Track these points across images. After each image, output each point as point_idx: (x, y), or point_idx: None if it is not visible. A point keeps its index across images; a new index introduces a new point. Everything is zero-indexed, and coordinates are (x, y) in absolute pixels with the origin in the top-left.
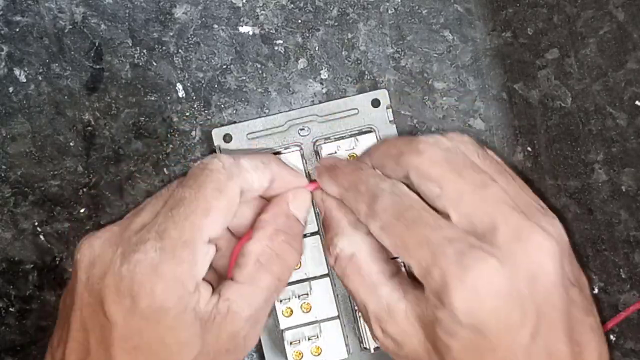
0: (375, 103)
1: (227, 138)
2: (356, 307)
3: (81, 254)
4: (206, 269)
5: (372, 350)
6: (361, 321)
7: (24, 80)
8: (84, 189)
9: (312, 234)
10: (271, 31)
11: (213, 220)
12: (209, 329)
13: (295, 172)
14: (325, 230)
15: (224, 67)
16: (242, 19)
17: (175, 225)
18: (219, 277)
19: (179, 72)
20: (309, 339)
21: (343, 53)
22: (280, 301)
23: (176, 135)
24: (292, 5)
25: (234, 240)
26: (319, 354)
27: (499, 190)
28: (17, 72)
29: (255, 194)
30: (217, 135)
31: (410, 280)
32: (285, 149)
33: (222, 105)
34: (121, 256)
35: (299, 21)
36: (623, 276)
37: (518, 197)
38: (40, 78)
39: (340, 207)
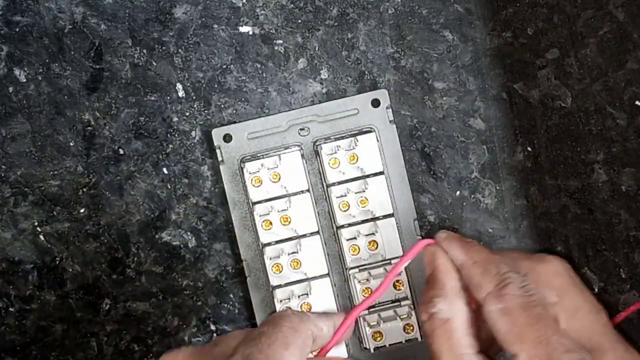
0: (375, 103)
1: (227, 138)
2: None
3: None
4: None
5: (372, 350)
6: (361, 320)
7: (24, 80)
8: (84, 189)
9: (312, 233)
10: (271, 31)
11: (292, 353)
12: None
13: (348, 321)
14: (427, 287)
15: (224, 67)
16: (242, 19)
17: (260, 351)
18: None
19: (179, 72)
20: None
21: (343, 53)
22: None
23: (176, 135)
24: (292, 5)
25: None
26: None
27: (607, 319)
28: (17, 72)
29: (325, 341)
30: (217, 135)
31: None
32: (285, 148)
33: (222, 105)
34: None
35: (299, 21)
36: (623, 276)
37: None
38: (40, 78)
39: (451, 272)
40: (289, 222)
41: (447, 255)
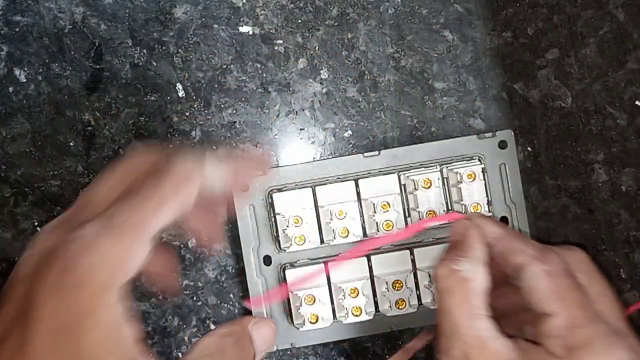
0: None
1: None
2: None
3: (26, 251)
4: (141, 262)
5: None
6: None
7: (24, 80)
8: (84, 189)
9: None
10: (271, 31)
11: (164, 214)
12: None
13: (262, 159)
14: (451, 249)
15: (224, 67)
16: (242, 19)
17: (129, 208)
18: None
19: (179, 72)
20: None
21: (343, 53)
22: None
23: (176, 135)
24: (292, 5)
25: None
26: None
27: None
28: (17, 72)
29: (217, 193)
30: None
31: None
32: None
33: (222, 105)
34: (64, 234)
35: (299, 21)
36: (623, 276)
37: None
38: (40, 78)
39: (481, 243)
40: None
41: (480, 230)
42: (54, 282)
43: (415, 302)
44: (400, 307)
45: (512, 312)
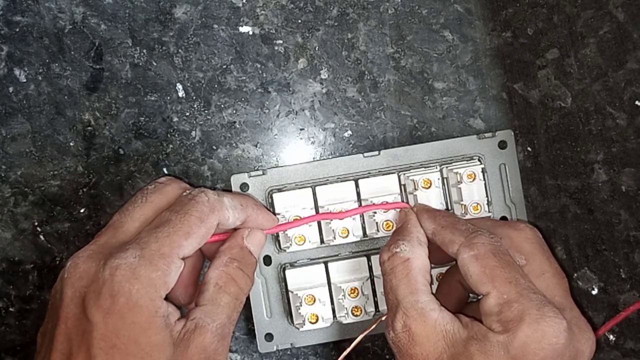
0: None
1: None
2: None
3: (68, 272)
4: (175, 280)
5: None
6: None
7: (24, 80)
8: (84, 189)
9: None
10: (271, 31)
11: (190, 243)
12: (179, 343)
13: (269, 215)
14: (394, 234)
15: (224, 67)
16: (242, 19)
17: (157, 240)
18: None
19: (179, 72)
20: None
21: (343, 53)
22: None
23: (176, 135)
24: (292, 5)
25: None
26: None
27: (567, 284)
28: (17, 72)
29: (229, 228)
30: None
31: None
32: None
33: (222, 105)
34: (104, 264)
35: (299, 21)
36: (623, 276)
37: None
38: (40, 78)
39: (419, 227)
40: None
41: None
42: (107, 306)
43: None
44: None
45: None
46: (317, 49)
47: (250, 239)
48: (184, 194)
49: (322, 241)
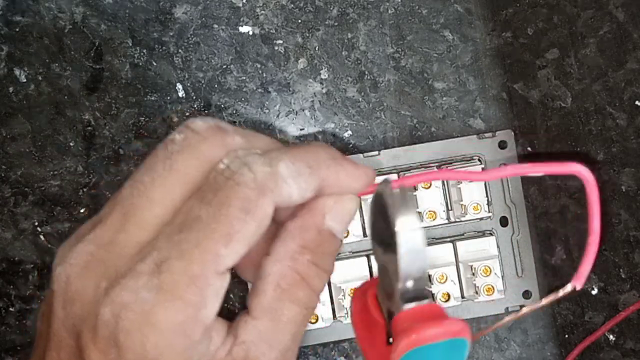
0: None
1: None
2: None
3: (58, 284)
4: (219, 306)
5: None
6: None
7: (24, 80)
8: (84, 189)
9: None
10: (271, 31)
11: (233, 249)
12: None
13: (358, 169)
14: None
15: (224, 67)
16: (242, 19)
17: (182, 254)
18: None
19: (179, 72)
20: None
21: (343, 53)
22: None
23: None
24: (292, 5)
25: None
26: None
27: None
28: (17, 72)
29: (294, 205)
30: None
31: None
32: None
33: (222, 105)
34: (105, 294)
35: (299, 21)
36: (623, 276)
37: None
38: (40, 78)
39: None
40: None
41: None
42: (112, 357)
43: None
44: None
45: None
46: (317, 49)
47: (335, 214)
48: (221, 166)
49: None
